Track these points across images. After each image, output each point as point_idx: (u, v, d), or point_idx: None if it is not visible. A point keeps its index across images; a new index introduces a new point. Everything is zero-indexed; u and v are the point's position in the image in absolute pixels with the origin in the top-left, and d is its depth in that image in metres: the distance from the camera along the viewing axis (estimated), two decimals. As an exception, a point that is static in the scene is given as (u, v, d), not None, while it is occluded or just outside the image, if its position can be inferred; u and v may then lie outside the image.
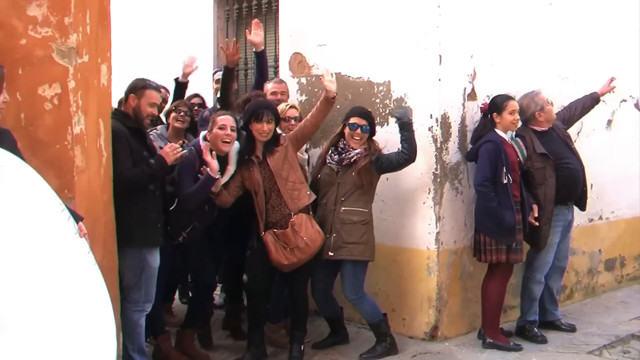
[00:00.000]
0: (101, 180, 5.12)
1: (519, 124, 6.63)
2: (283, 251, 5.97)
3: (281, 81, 7.18)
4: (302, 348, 6.26)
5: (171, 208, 5.88)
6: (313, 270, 6.33)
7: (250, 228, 6.33)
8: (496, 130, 6.49)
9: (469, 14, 6.83)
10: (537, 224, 6.55)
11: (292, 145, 6.11)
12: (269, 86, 7.00)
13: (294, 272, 6.15)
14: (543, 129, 6.80)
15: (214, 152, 5.85)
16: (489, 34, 6.97)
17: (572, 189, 6.80)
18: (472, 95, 6.82)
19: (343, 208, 6.20)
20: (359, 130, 6.22)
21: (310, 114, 6.18)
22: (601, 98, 7.46)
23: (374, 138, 6.38)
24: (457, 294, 6.83)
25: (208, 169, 5.77)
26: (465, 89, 6.79)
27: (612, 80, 7.34)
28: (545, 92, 6.94)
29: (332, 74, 6.14)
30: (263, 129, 5.96)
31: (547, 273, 6.93)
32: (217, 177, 5.82)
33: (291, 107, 6.68)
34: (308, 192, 6.12)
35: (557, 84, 7.55)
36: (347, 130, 6.27)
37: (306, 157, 6.84)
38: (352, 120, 6.26)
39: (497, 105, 6.52)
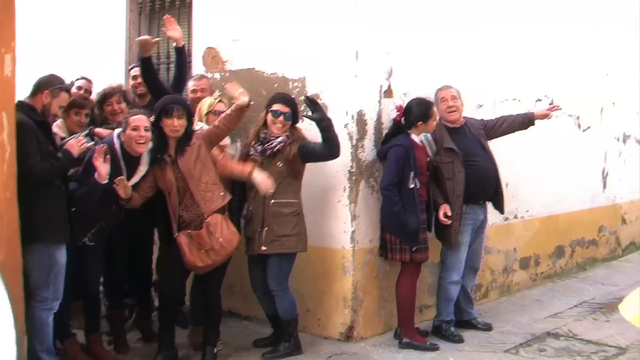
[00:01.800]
0: (4, 177, 5.00)
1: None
2: (198, 253, 5.83)
3: (201, 77, 7.09)
4: (215, 351, 6.15)
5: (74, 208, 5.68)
6: (249, 267, 6.35)
7: (156, 226, 6.17)
8: (410, 133, 6.50)
9: (386, 9, 6.82)
10: (448, 222, 6.56)
11: (205, 144, 5.95)
12: (189, 84, 6.89)
13: (207, 273, 6.03)
14: (455, 125, 6.82)
15: (107, 157, 5.58)
16: (406, 30, 6.98)
17: (482, 187, 6.82)
18: (388, 92, 6.82)
19: (273, 201, 6.13)
20: (281, 118, 6.16)
21: (222, 117, 6.04)
22: (517, 98, 7.47)
23: (297, 126, 6.31)
24: (373, 294, 6.82)
25: (96, 174, 5.52)
26: (381, 86, 6.78)
27: (553, 107, 7.31)
28: (465, 89, 7.00)
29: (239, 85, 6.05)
30: (174, 124, 5.80)
31: (464, 273, 6.96)
32: (104, 182, 5.54)
33: (220, 101, 6.57)
34: (222, 194, 5.99)
35: (477, 81, 7.60)
36: (269, 117, 6.20)
37: (232, 151, 6.73)
38: (275, 107, 6.20)
39: (424, 113, 6.49)
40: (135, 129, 5.74)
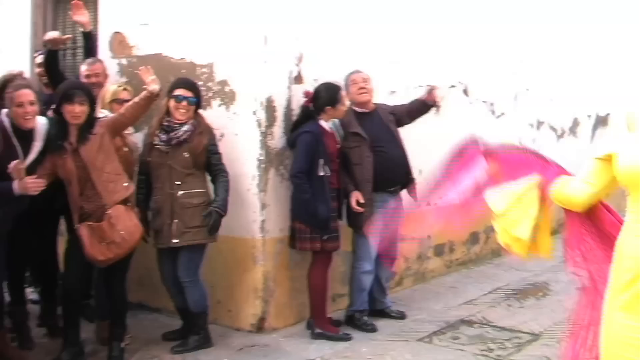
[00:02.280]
0: None
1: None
2: (98, 246, 5.61)
3: (95, 61, 6.85)
4: (122, 345, 5.98)
5: None
6: (159, 259, 6.24)
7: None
8: (319, 120, 6.44)
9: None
10: (361, 209, 6.50)
11: (108, 132, 5.74)
12: (82, 69, 6.65)
13: (111, 267, 5.83)
14: (364, 110, 6.76)
15: None
16: (317, 15, 6.90)
17: (391, 174, 6.74)
18: (298, 79, 6.73)
19: (181, 192, 6.01)
20: (185, 103, 6.04)
21: (129, 105, 5.88)
22: (430, 84, 7.40)
23: (200, 112, 6.19)
24: (285, 284, 6.75)
25: None
26: (291, 72, 6.69)
27: (432, 91, 7.01)
28: (377, 75, 6.95)
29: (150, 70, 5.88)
30: (75, 110, 5.59)
31: (378, 263, 6.90)
32: None
33: (124, 89, 6.42)
34: (126, 184, 5.80)
35: (389, 67, 7.53)
36: (172, 103, 6.05)
37: (137, 141, 6.57)
38: (177, 91, 6.06)
39: (332, 98, 6.44)
40: (20, 105, 5.53)
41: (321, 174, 6.25)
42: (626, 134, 2.86)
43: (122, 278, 6.03)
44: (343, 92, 6.50)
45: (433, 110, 7.19)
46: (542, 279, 8.44)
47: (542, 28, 10.29)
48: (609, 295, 2.96)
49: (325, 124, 6.45)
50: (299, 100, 6.65)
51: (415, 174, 6.96)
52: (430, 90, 6.92)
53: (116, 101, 6.23)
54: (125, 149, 6.12)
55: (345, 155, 6.59)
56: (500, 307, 7.45)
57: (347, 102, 6.55)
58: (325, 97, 6.40)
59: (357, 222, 6.64)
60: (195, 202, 6.02)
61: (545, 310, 7.28)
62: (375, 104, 6.85)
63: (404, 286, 8.06)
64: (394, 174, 6.76)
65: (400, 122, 6.99)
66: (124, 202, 5.75)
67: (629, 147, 2.81)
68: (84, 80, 6.52)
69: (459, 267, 8.97)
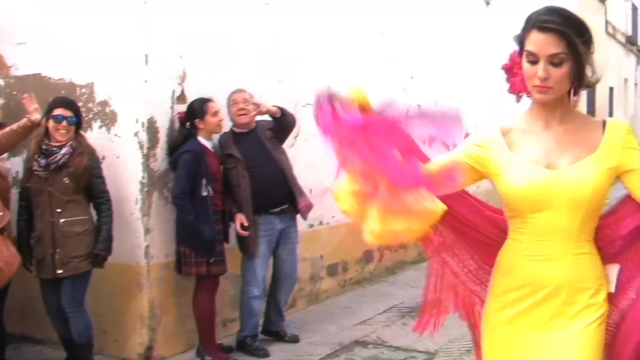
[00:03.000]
0: None
1: (223, 125, 6.50)
2: None
3: None
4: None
5: None
6: (42, 290, 5.99)
7: None
8: (198, 137, 6.32)
9: (179, 10, 6.57)
10: (246, 233, 6.39)
11: None
12: None
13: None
14: (242, 130, 6.66)
15: None
16: (200, 33, 6.74)
17: (268, 195, 6.58)
18: (181, 98, 6.57)
19: (62, 220, 5.77)
20: (64, 123, 5.82)
21: (5, 132, 5.68)
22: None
23: (83, 134, 6.00)
24: (172, 311, 6.57)
25: None
26: (174, 91, 6.52)
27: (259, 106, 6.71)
28: (264, 94, 6.88)
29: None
30: None
31: (277, 286, 6.88)
32: None
33: None
34: (0, 213, 5.48)
35: (274, 86, 7.39)
36: (51, 124, 5.82)
37: (9, 166, 6.30)
38: (56, 111, 5.83)
39: (196, 110, 6.34)
40: None
41: (204, 194, 6.12)
42: (510, 153, 2.84)
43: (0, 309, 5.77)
44: (211, 104, 6.37)
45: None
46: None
47: (431, 45, 10.39)
48: (492, 309, 2.97)
49: (206, 142, 6.33)
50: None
51: (306, 193, 6.86)
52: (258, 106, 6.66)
53: None
54: None
55: (226, 177, 6.47)
56: (395, 326, 7.43)
57: (219, 117, 6.41)
58: (191, 110, 6.33)
59: (243, 245, 6.53)
60: (78, 230, 5.81)
61: (439, 327, 7.25)
62: (256, 121, 6.73)
63: (298, 308, 7.96)
64: (272, 195, 6.61)
65: (282, 138, 6.89)
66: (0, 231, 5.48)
67: (513, 168, 2.81)
68: None
69: (353, 287, 8.91)
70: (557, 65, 2.67)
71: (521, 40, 2.76)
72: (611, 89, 24.77)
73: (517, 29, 2.80)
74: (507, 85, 2.99)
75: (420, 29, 10.14)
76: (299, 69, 7.83)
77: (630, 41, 28.29)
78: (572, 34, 2.66)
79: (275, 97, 7.22)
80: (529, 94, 2.86)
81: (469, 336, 6.37)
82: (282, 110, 6.68)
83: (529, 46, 2.70)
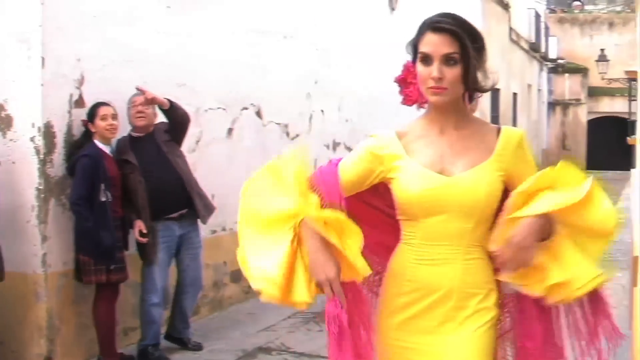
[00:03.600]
0: None
1: (116, 131, 6.40)
2: None
3: None
4: None
5: None
6: None
7: None
8: (95, 141, 6.25)
9: (76, 13, 6.43)
10: (144, 240, 6.31)
11: None
12: None
13: None
14: (139, 134, 6.60)
15: None
16: (99, 36, 6.64)
17: (165, 200, 6.51)
18: (79, 102, 6.43)
19: None
20: None
21: None
22: (222, 106, 7.31)
23: None
24: (71, 320, 6.43)
25: None
26: (72, 95, 6.38)
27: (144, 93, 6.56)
28: (164, 97, 6.66)
29: None
30: None
31: (181, 292, 6.82)
32: None
33: None
34: None
35: (174, 90, 7.27)
36: None
37: None
38: None
39: (90, 113, 6.28)
40: None
41: (103, 199, 6.03)
42: (406, 158, 2.85)
43: None
44: (102, 107, 6.28)
45: (225, 133, 7.05)
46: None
47: (336, 50, 10.45)
48: (383, 315, 2.99)
49: (104, 146, 6.25)
50: (80, 126, 6.38)
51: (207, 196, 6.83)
52: (143, 93, 6.55)
53: None
54: None
55: (124, 182, 6.38)
56: (299, 332, 7.46)
57: (108, 121, 6.28)
58: (87, 114, 6.28)
59: (142, 252, 6.46)
60: None
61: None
62: (157, 123, 6.67)
63: (201, 315, 7.90)
64: (170, 200, 6.53)
65: (177, 139, 6.80)
66: None
67: (408, 173, 2.83)
68: None
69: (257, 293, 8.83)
70: (451, 65, 2.72)
71: (415, 44, 2.80)
72: (515, 94, 25.24)
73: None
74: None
75: (324, 33, 10.20)
76: (201, 72, 7.79)
77: (533, 48, 28.92)
78: (465, 36, 2.71)
79: (176, 100, 7.17)
80: (423, 105, 2.91)
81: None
82: (171, 102, 6.58)
83: (423, 47, 2.75)
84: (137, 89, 6.52)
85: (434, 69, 2.71)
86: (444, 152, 2.84)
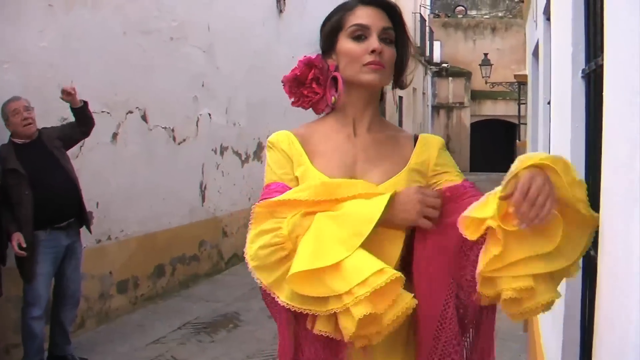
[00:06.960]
0: None
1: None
2: None
3: None
4: None
5: None
6: None
7: None
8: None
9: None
10: (23, 254, 6.03)
11: None
12: None
13: None
14: (24, 141, 6.32)
15: None
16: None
17: (56, 208, 6.30)
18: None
19: None
20: None
21: None
22: (107, 110, 7.10)
23: None
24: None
25: None
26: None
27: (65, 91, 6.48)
28: (45, 101, 6.64)
29: None
30: None
31: (60, 304, 6.54)
32: None
33: None
34: None
35: (56, 92, 6.97)
36: None
37: None
38: None
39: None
40: None
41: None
42: (309, 164, 2.49)
43: None
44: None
45: (109, 138, 6.86)
46: (232, 309, 8.43)
47: (223, 51, 10.35)
48: None
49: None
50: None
51: (92, 206, 6.61)
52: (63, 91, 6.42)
53: None
54: None
55: (5, 193, 6.09)
56: (190, 344, 7.31)
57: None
58: None
59: (21, 266, 6.16)
60: None
61: (236, 342, 7.26)
62: (39, 130, 6.41)
63: (87, 328, 7.66)
64: (61, 208, 6.34)
65: (74, 140, 6.63)
66: None
67: (312, 180, 2.43)
68: None
69: (145, 303, 8.69)
70: (387, 44, 2.45)
71: (339, 24, 2.49)
72: (400, 97, 25.58)
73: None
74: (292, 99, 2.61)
75: (212, 35, 10.09)
76: (83, 75, 7.53)
77: (418, 52, 29.40)
78: (400, 14, 2.51)
79: (59, 104, 6.95)
80: (321, 111, 2.62)
81: (267, 351, 6.43)
82: (85, 103, 6.49)
83: (358, 20, 2.44)
84: (64, 90, 6.33)
85: (374, 41, 2.41)
86: (355, 157, 2.52)
